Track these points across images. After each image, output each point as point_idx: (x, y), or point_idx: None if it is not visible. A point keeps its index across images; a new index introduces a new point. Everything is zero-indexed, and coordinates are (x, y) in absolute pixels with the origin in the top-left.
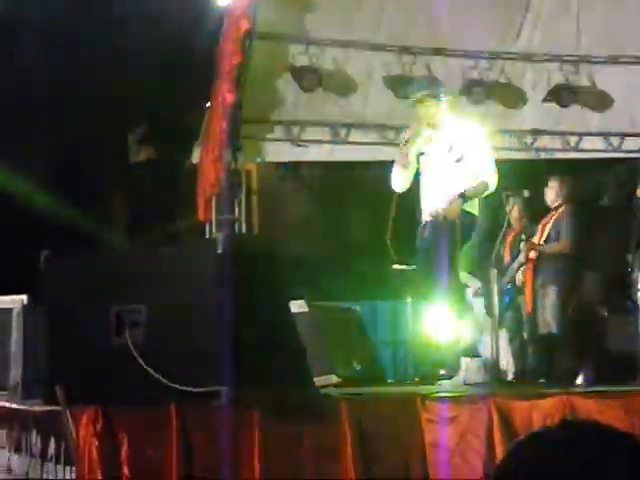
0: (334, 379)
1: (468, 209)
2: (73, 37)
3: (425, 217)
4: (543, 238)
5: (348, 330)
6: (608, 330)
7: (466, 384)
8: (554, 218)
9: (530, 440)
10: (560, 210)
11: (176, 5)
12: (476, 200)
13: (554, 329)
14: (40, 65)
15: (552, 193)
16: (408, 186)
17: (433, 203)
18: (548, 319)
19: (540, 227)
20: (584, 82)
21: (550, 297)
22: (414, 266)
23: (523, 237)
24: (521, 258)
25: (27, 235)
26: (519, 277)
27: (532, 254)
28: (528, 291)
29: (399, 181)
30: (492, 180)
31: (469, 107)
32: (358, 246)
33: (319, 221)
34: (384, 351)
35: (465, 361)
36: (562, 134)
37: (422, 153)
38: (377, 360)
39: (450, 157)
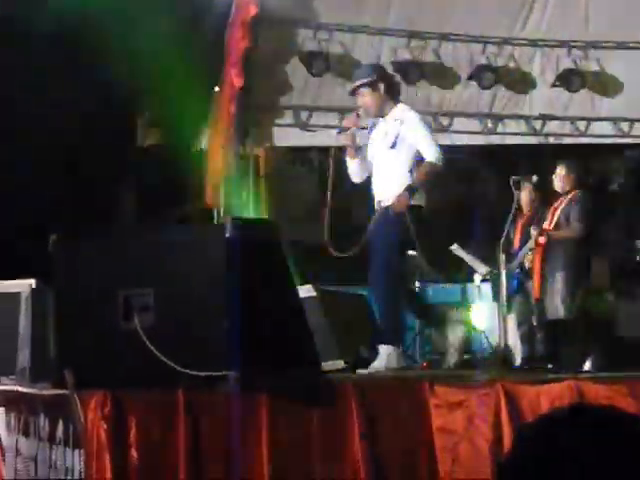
0: (341, 364)
1: (414, 202)
2: (79, 20)
3: (376, 205)
4: (553, 223)
5: (355, 315)
6: (616, 316)
7: (387, 370)
8: (564, 203)
9: (540, 423)
10: (569, 195)
11: None
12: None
13: (562, 315)
14: (51, 50)
15: (560, 179)
16: (366, 176)
17: (380, 193)
18: (557, 305)
19: (550, 212)
20: (593, 67)
21: (559, 283)
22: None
23: (533, 222)
24: (530, 243)
25: (35, 218)
26: (528, 262)
27: (541, 239)
28: (536, 276)
29: (353, 172)
30: (435, 157)
31: (478, 92)
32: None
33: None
34: None
35: (383, 348)
36: (571, 119)
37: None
38: None
39: (385, 144)
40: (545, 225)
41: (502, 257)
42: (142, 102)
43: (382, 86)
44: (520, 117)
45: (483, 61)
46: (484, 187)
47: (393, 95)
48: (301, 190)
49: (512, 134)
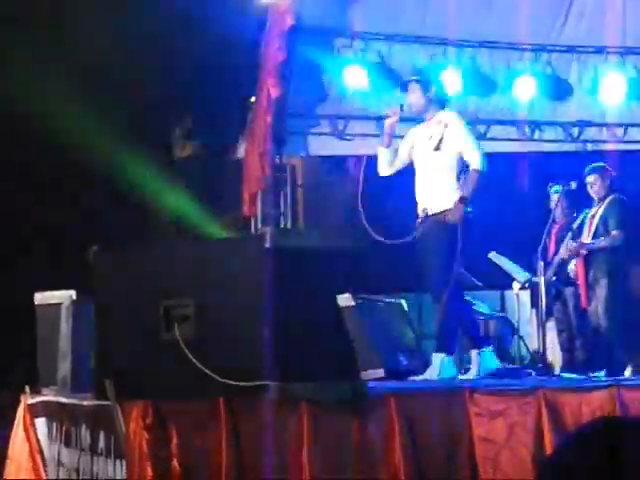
0: (380, 373)
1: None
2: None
3: (420, 211)
4: (592, 232)
5: (394, 323)
6: None
7: (439, 378)
8: (601, 210)
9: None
10: (606, 201)
11: (220, 1)
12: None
13: (604, 322)
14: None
15: (593, 186)
16: (393, 172)
17: (425, 200)
18: (598, 312)
19: (588, 221)
20: (631, 74)
21: (601, 290)
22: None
23: (573, 228)
24: (561, 252)
25: (76, 231)
26: (571, 270)
27: (582, 251)
28: (582, 285)
29: (383, 162)
30: (481, 165)
31: (515, 99)
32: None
33: (364, 214)
34: (429, 344)
35: (437, 356)
36: (608, 125)
37: (412, 147)
38: (423, 353)
39: (429, 146)
40: (584, 234)
41: (541, 265)
42: (177, 114)
43: (433, 89)
44: (557, 124)
45: (520, 68)
46: (521, 194)
47: (440, 102)
48: (337, 198)
49: (549, 141)
